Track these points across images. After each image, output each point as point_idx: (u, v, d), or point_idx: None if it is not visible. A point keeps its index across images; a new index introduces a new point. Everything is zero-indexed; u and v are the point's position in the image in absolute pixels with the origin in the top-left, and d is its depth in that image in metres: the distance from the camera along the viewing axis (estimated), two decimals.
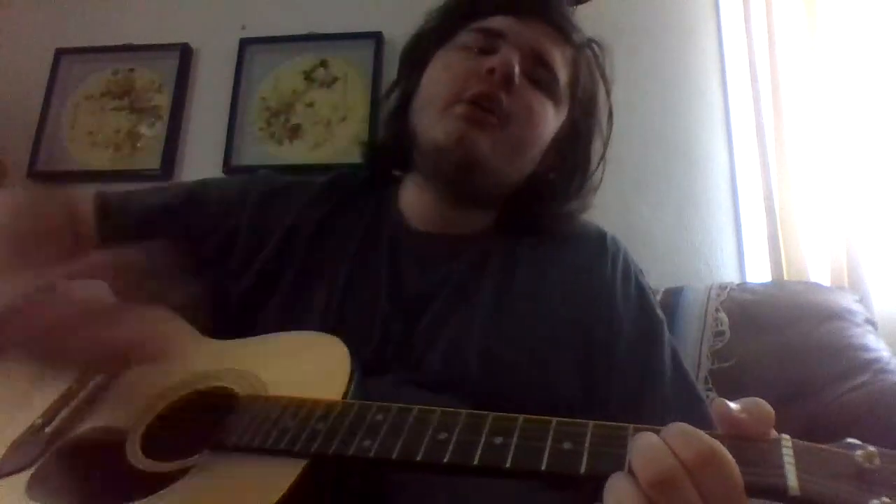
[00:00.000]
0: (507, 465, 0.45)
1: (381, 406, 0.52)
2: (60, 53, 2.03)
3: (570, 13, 0.82)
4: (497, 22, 0.78)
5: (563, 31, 0.81)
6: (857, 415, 1.08)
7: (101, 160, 1.93)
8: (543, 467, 0.44)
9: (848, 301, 1.30)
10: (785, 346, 1.20)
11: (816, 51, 1.60)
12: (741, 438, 0.42)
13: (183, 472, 0.53)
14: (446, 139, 0.74)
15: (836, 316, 1.24)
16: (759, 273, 1.59)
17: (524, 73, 0.76)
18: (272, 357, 0.65)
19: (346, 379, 0.56)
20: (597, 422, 0.46)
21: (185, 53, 2.00)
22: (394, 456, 0.48)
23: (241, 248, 0.79)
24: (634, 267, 0.83)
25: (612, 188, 1.74)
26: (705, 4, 1.84)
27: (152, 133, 1.95)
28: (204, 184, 0.87)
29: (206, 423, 0.57)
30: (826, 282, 1.48)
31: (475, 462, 0.46)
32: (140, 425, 0.60)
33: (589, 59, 0.85)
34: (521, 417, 0.48)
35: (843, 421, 1.08)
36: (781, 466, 0.40)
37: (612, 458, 0.43)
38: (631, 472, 0.41)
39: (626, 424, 0.45)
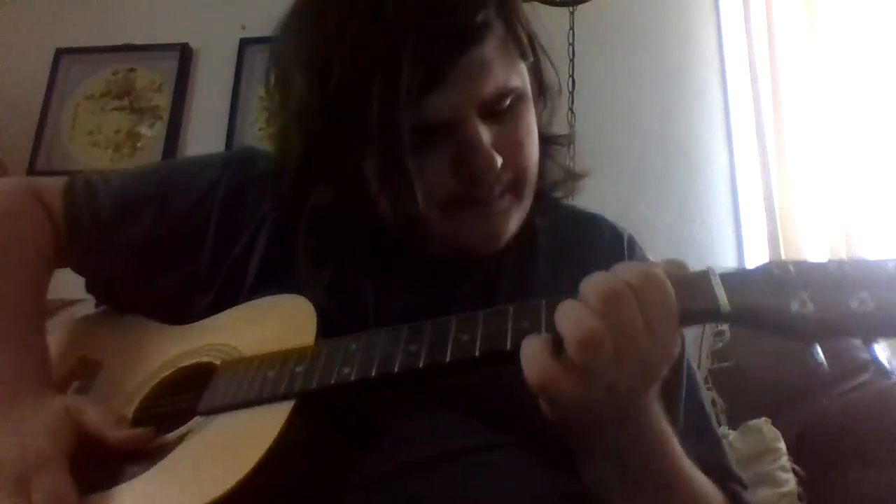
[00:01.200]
0: (477, 353, 0.49)
1: (351, 337, 0.54)
2: (60, 53, 2.03)
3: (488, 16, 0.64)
4: (432, 111, 0.62)
5: (497, 53, 0.66)
6: (857, 415, 1.08)
7: (101, 160, 1.94)
8: (509, 347, 0.48)
9: None
10: (785, 346, 1.19)
11: (816, 51, 1.60)
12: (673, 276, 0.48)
13: (180, 439, 0.54)
14: (472, 238, 0.67)
15: None
16: None
17: (494, 116, 0.65)
18: (240, 325, 0.65)
19: (313, 325, 0.58)
20: (550, 298, 0.49)
21: (185, 53, 2.00)
22: (373, 374, 0.50)
23: (211, 249, 0.73)
24: None
25: (611, 188, 1.76)
26: (705, 4, 1.85)
27: (152, 133, 1.95)
28: (175, 175, 0.79)
29: (192, 395, 0.58)
30: None
31: (447, 359, 0.49)
32: (128, 410, 0.61)
33: (528, 29, 0.71)
34: (482, 313, 0.51)
35: (843, 421, 1.08)
36: (712, 290, 0.47)
37: None
38: (582, 301, 0.46)
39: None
